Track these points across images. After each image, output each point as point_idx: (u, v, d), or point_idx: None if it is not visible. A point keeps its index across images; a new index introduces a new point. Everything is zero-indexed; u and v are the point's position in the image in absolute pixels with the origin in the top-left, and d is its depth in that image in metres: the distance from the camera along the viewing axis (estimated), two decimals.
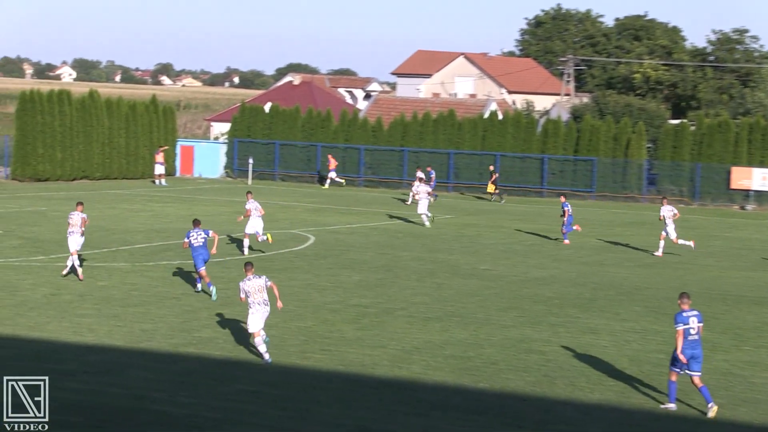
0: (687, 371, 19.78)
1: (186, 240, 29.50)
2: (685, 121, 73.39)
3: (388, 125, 75.46)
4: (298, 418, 18.22)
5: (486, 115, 75.43)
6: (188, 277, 32.11)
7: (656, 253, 41.84)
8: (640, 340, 25.70)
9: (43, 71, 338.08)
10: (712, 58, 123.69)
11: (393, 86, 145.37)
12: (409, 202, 59.30)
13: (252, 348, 22.94)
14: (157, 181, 68.81)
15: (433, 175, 65.12)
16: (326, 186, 70.61)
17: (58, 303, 27.31)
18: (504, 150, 71.50)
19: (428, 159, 71.46)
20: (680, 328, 19.72)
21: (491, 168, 68.87)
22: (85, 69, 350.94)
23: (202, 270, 29.19)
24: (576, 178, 70.09)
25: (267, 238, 37.09)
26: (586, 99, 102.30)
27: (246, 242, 37.97)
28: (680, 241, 41.59)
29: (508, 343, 24.64)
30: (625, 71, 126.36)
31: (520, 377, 21.61)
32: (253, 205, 37.66)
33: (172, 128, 76.21)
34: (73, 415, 17.64)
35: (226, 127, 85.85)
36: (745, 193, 66.44)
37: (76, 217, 31.50)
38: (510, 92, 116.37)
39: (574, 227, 44.95)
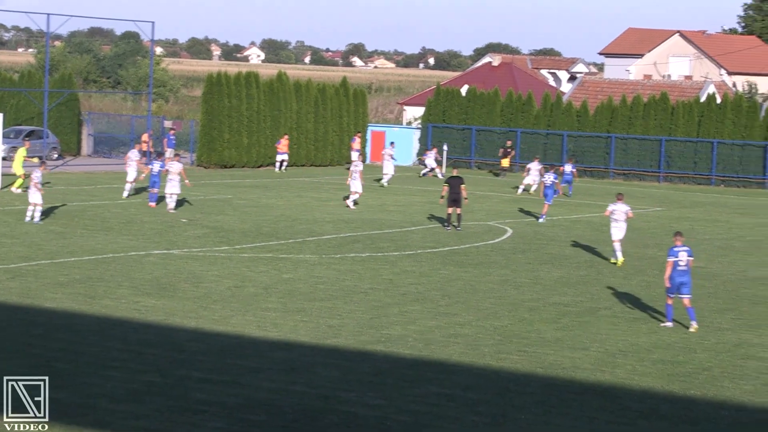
0: (678, 295, 26.16)
1: None
2: None
3: (594, 110, 74.74)
4: (493, 423, 18.26)
5: (703, 99, 73.88)
6: (377, 270, 32.49)
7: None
8: None
9: (231, 53, 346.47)
10: None
11: (600, 67, 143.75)
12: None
13: (444, 347, 23.07)
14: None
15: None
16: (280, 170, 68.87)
17: (243, 296, 28.00)
18: (722, 137, 70.01)
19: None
20: (671, 259, 26.32)
21: (509, 143, 71.38)
22: (273, 50, 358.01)
23: None
24: None
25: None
26: None
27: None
28: None
29: (723, 348, 24.17)
30: None
31: (737, 385, 21.16)
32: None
33: (363, 112, 77.11)
34: (258, 413, 18.05)
35: (419, 111, 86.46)
36: None
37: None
38: (730, 73, 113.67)
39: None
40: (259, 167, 69.30)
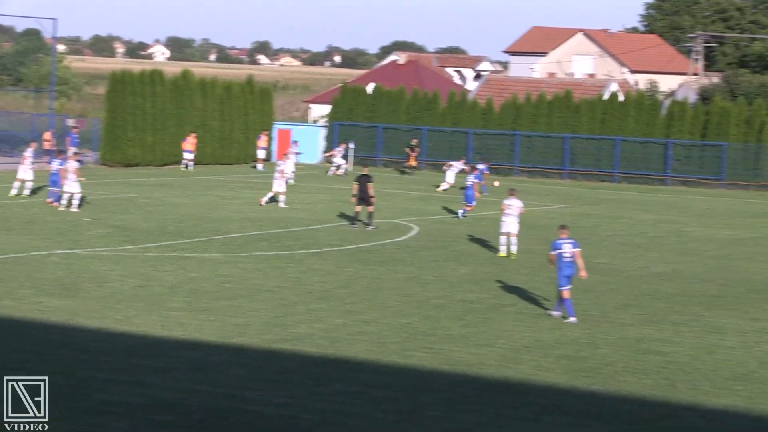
0: (560, 287, 26.60)
1: None
2: None
3: (499, 107, 75.29)
4: (401, 420, 18.33)
5: (605, 97, 74.81)
6: (283, 268, 32.44)
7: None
8: None
9: (135, 50, 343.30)
10: None
11: (505, 66, 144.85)
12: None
13: (350, 345, 23.11)
14: (259, 166, 69.46)
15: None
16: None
17: (147, 295, 27.80)
18: (625, 134, 70.92)
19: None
20: (554, 252, 26.86)
21: (414, 141, 72.01)
22: (178, 48, 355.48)
23: None
24: (703, 165, 69.26)
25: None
26: (716, 79, 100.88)
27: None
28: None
29: (625, 343, 24.49)
30: (761, 48, 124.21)
31: (638, 380, 21.46)
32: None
33: (268, 111, 76.89)
34: (164, 414, 17.94)
35: (325, 109, 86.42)
36: None
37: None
38: (632, 72, 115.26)
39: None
40: (163, 166, 68.75)
